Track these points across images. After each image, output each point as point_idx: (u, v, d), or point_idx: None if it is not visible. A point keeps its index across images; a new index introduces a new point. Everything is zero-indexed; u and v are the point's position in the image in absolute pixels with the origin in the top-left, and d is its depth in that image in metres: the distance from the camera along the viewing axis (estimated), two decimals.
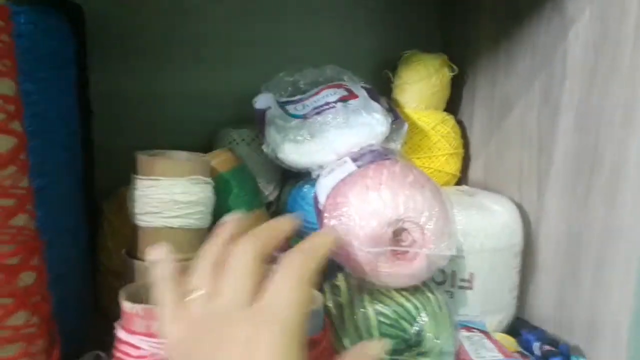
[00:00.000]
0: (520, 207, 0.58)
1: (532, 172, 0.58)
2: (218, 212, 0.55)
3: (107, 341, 0.43)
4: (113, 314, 0.47)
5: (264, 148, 0.58)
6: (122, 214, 0.58)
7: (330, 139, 0.55)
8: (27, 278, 0.38)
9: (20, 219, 0.37)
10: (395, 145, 0.58)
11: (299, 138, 0.55)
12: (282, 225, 0.36)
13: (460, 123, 0.69)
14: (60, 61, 0.44)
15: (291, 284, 0.30)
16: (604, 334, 0.48)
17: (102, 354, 0.49)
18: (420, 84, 0.65)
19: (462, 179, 0.69)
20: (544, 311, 0.56)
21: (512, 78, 0.61)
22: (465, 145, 0.69)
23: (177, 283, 0.34)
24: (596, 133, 0.49)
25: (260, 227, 0.34)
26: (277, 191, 0.67)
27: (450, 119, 0.67)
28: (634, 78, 0.45)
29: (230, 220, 0.36)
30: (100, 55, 0.64)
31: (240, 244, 0.32)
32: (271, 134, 0.57)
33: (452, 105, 0.70)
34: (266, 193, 0.65)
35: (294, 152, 0.56)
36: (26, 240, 0.37)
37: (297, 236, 0.62)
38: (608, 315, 0.48)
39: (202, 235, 0.54)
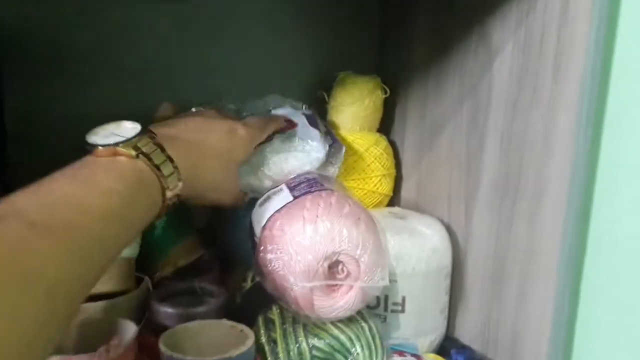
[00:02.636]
0: (449, 229, 0.60)
1: (460, 194, 0.60)
2: (146, 241, 0.53)
3: None
4: None
5: None
6: None
7: (266, 164, 0.54)
8: None
9: None
10: (334, 169, 0.58)
11: None
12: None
13: (392, 144, 0.70)
14: None
15: (259, 122, 0.53)
16: (526, 350, 0.51)
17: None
18: (354, 106, 0.66)
19: (394, 199, 0.70)
20: (472, 330, 0.58)
21: (441, 102, 0.63)
22: (397, 165, 0.70)
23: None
24: (519, 159, 0.51)
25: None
26: (209, 215, 0.65)
27: (383, 140, 0.68)
28: (553, 109, 0.47)
29: None
30: (15, 74, 0.60)
31: None
32: None
33: (385, 126, 0.71)
34: (199, 215, 0.63)
35: None
36: None
37: (231, 263, 0.61)
38: (529, 331, 0.50)
39: (129, 264, 0.52)
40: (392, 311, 0.55)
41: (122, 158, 0.36)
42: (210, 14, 0.70)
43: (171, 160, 0.38)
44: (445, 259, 0.57)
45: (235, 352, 0.38)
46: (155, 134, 0.39)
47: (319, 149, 0.54)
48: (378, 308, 0.55)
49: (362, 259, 0.43)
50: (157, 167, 0.37)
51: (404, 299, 0.55)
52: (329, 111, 0.69)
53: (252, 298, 0.51)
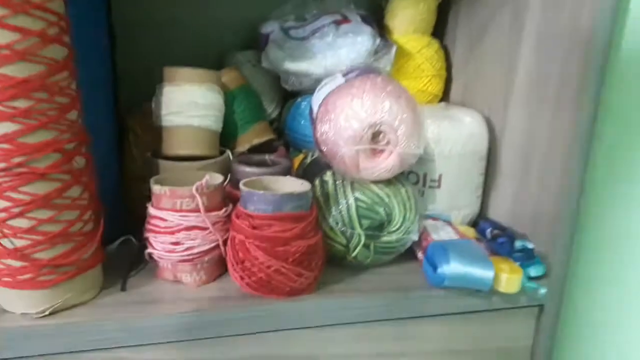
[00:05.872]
0: (488, 120, 0.67)
1: (500, 90, 0.66)
2: (228, 122, 0.65)
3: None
4: (137, 214, 0.56)
5: (264, 62, 0.67)
6: (145, 124, 0.67)
7: (319, 55, 0.64)
8: (79, 161, 0.48)
9: (73, 114, 0.46)
10: (384, 66, 0.66)
11: (295, 54, 0.64)
12: None
13: (444, 47, 0.77)
14: None
15: None
16: (544, 225, 0.58)
17: (133, 239, 0.60)
18: (409, 10, 0.72)
19: (443, 99, 0.78)
20: (502, 208, 0.66)
21: (486, 7, 0.68)
22: (448, 67, 0.77)
23: None
24: (550, 53, 0.57)
25: None
26: (279, 109, 0.76)
27: (434, 43, 0.75)
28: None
29: None
30: None
31: None
32: (271, 51, 0.66)
33: (438, 31, 0.77)
34: (269, 111, 0.75)
35: (289, 64, 0.65)
36: (77, 132, 0.47)
37: (295, 149, 0.72)
38: (548, 209, 0.58)
39: (215, 136, 0.63)
40: (430, 187, 0.64)
41: None
42: None
43: None
44: (481, 144, 0.64)
45: (298, 190, 0.50)
46: None
47: (367, 43, 0.63)
48: (417, 184, 0.64)
49: (400, 129, 0.52)
50: None
51: (440, 177, 0.64)
52: (386, 16, 0.76)
53: (311, 170, 0.62)
